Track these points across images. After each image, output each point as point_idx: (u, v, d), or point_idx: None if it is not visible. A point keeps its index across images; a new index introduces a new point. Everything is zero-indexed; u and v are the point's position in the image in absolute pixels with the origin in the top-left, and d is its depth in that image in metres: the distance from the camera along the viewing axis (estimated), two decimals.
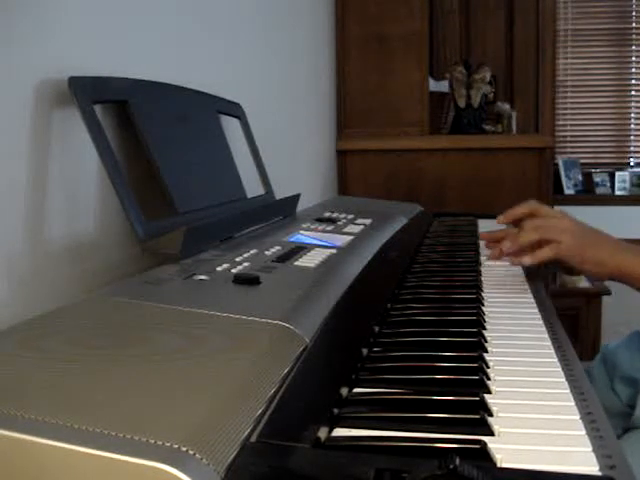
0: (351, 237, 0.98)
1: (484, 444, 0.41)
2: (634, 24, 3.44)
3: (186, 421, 0.37)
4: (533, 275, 0.94)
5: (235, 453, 0.36)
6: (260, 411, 0.41)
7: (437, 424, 0.46)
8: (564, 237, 0.86)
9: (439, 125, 2.42)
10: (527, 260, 0.87)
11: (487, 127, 2.44)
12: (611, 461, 0.41)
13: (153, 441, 0.34)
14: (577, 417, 0.48)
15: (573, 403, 0.51)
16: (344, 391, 0.51)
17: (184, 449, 0.34)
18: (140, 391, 0.41)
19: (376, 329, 0.67)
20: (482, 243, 1.15)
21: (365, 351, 0.60)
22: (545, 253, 0.86)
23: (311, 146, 1.92)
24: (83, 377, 0.43)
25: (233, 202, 1.01)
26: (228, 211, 0.97)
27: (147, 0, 0.92)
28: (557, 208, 1.03)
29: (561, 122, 3.49)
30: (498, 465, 0.41)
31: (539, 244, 0.88)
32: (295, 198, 1.18)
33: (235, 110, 1.15)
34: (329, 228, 1.05)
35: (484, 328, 0.69)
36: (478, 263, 1.00)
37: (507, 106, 2.69)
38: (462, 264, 0.98)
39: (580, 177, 3.45)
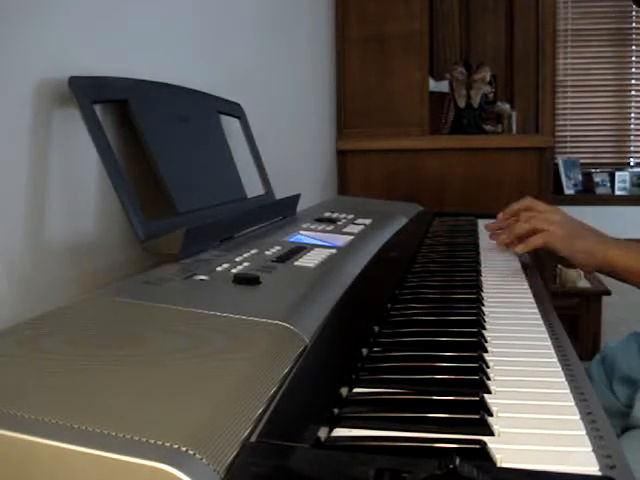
0: (351, 237, 0.98)
1: (484, 444, 0.41)
2: (634, 24, 3.45)
3: (186, 421, 0.37)
4: (533, 273, 0.94)
5: (235, 453, 0.36)
6: (260, 411, 0.41)
7: (437, 424, 0.46)
8: (554, 227, 0.95)
9: (439, 125, 2.42)
10: (520, 248, 0.96)
11: (487, 127, 2.44)
12: (611, 461, 0.41)
13: (153, 441, 0.34)
14: (577, 417, 0.48)
15: (573, 403, 0.50)
16: (344, 391, 0.50)
17: (184, 449, 0.34)
18: (140, 391, 0.41)
19: (376, 329, 0.67)
20: (482, 243, 1.15)
21: (365, 351, 0.60)
22: (536, 240, 0.95)
23: (311, 146, 1.92)
24: (83, 377, 0.43)
25: (233, 202, 1.01)
26: (228, 211, 0.97)
27: (147, 0, 0.92)
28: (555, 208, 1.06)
29: (561, 122, 3.49)
30: (498, 465, 0.41)
31: (533, 234, 0.97)
32: (295, 198, 1.18)
33: (235, 110, 1.15)
34: (329, 228, 1.05)
35: (484, 328, 0.69)
36: (478, 263, 1.00)
37: (507, 106, 2.69)
38: (462, 264, 0.98)
39: (580, 177, 3.45)
